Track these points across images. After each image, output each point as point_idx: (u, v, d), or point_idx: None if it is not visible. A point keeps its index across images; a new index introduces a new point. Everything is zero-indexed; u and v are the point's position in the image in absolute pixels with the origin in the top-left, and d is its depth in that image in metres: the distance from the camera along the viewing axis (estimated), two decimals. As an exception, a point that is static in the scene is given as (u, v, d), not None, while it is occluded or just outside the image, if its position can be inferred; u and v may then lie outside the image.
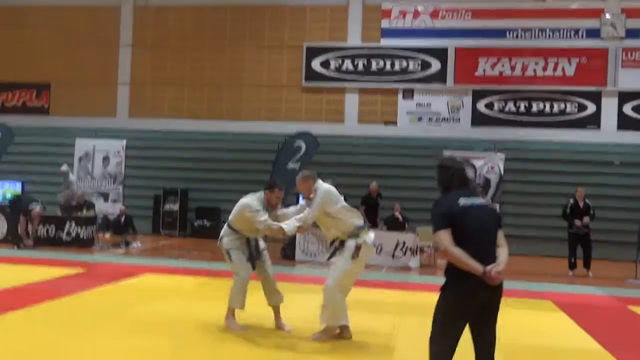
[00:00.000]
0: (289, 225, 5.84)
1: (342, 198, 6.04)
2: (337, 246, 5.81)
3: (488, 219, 3.85)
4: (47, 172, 17.34)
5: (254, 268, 6.26)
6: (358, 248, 5.66)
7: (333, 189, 5.92)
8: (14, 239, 12.88)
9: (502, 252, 3.80)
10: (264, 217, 5.92)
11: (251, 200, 6.05)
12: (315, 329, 6.39)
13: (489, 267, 3.62)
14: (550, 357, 5.99)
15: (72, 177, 15.05)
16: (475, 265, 3.62)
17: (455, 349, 3.75)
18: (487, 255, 3.69)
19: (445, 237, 3.71)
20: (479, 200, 3.90)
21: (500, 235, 3.87)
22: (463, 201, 3.81)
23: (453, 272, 3.74)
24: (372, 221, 13.65)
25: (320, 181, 5.99)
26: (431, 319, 7.72)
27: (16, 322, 6.37)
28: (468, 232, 3.71)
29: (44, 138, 18.34)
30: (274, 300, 6.37)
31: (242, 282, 6.13)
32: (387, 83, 17.39)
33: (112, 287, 8.63)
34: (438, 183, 4.06)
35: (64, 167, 15.15)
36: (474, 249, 3.66)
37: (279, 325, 6.38)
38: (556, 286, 10.56)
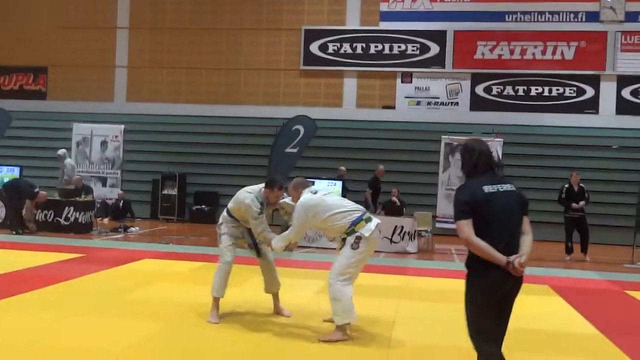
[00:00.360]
0: (277, 242, 5.75)
1: (331, 201, 5.68)
2: (339, 241, 5.70)
3: (513, 206, 3.67)
4: (45, 157, 17.32)
5: (259, 255, 6.28)
6: (358, 238, 5.52)
7: (313, 201, 5.59)
8: (13, 224, 12.86)
9: (526, 240, 3.65)
10: (262, 226, 5.91)
11: (252, 201, 5.92)
12: (314, 313, 6.42)
13: (512, 258, 3.50)
14: (547, 341, 6.02)
15: (69, 160, 14.95)
16: (498, 256, 3.51)
17: (497, 337, 3.66)
18: (511, 245, 3.57)
19: (466, 228, 3.56)
20: (505, 186, 3.69)
21: (526, 222, 3.72)
22: (488, 188, 3.63)
23: (476, 263, 3.61)
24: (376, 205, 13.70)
25: (305, 193, 5.70)
26: (430, 303, 7.76)
27: (15, 307, 6.39)
28: (492, 221, 3.57)
29: (42, 122, 18.28)
30: (273, 287, 6.39)
31: (225, 269, 6.11)
32: (386, 67, 17.32)
33: (110, 272, 8.65)
34: (461, 167, 3.85)
35: (61, 151, 15.09)
36: (498, 239, 3.54)
37: (277, 310, 6.40)
38: (553, 270, 10.60)
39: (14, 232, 12.63)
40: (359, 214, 5.62)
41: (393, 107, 17.32)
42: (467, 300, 3.70)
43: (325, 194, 5.86)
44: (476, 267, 3.62)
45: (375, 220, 5.72)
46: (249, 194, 6.01)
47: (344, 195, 14.10)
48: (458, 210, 3.62)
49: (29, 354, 4.85)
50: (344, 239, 5.60)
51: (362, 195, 13.50)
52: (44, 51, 18.73)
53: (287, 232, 5.76)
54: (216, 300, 6.12)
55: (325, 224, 5.63)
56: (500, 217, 3.59)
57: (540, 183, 15.65)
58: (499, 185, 3.67)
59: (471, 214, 3.57)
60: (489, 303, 3.60)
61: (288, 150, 14.10)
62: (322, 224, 5.66)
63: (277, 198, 6.00)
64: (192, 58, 18.15)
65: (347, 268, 5.53)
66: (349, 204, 5.77)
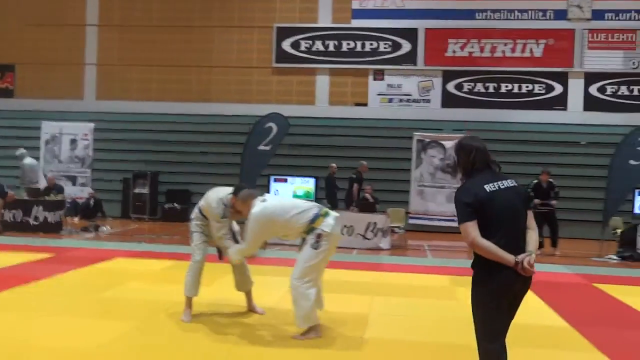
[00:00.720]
0: (233, 254, 5.70)
1: (286, 207, 5.50)
2: (300, 242, 5.58)
3: (516, 202, 3.56)
4: (12, 156, 16.96)
5: (220, 257, 6.22)
6: (318, 236, 5.36)
7: (268, 210, 5.43)
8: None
9: (532, 236, 3.56)
10: (222, 231, 5.88)
11: (217, 203, 5.87)
12: (288, 311, 6.42)
13: (520, 257, 3.41)
14: (517, 333, 6.09)
15: (27, 160, 14.58)
16: (506, 257, 3.40)
17: (504, 342, 3.55)
18: (517, 243, 3.48)
19: (471, 230, 3.43)
20: (505, 183, 3.59)
21: (530, 217, 3.63)
22: (489, 187, 3.52)
23: (484, 265, 3.48)
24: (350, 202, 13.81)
25: (256, 204, 5.49)
26: (404, 298, 7.81)
27: (-17, 308, 6.28)
28: (496, 220, 3.46)
29: (9, 121, 17.97)
30: (244, 286, 6.38)
31: (196, 268, 6.08)
32: (358, 64, 17.38)
33: (81, 271, 8.54)
34: (457, 166, 3.70)
35: (19, 151, 14.69)
36: (504, 238, 3.44)
37: (251, 308, 6.40)
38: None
39: (-18, 233, 12.40)
40: (316, 211, 5.48)
41: (365, 105, 17.39)
42: (474, 303, 3.58)
43: (276, 199, 5.81)
44: (484, 269, 3.50)
45: (334, 214, 5.55)
46: (217, 197, 5.94)
47: (333, 192, 14.23)
48: (461, 212, 3.50)
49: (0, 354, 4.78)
50: (303, 239, 5.45)
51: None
52: (12, 48, 18.39)
53: (241, 245, 5.70)
54: (189, 299, 6.09)
55: (285, 229, 5.49)
56: (504, 215, 3.48)
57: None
58: (499, 182, 3.58)
59: (475, 216, 3.46)
60: (499, 306, 3.50)
61: (261, 147, 14.01)
62: (281, 230, 5.53)
63: (243, 207, 5.78)
64: (162, 56, 17.98)
65: (309, 270, 5.39)
66: (303, 203, 5.64)
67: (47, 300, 6.73)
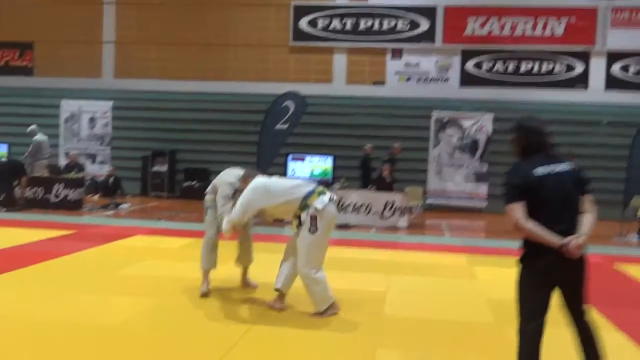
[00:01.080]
0: (224, 225, 5.64)
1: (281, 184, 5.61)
2: (296, 223, 5.53)
3: (569, 186, 3.52)
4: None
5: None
6: (313, 219, 5.35)
7: (262, 181, 5.55)
8: (7, 202, 12.79)
9: (586, 220, 3.51)
10: (225, 207, 5.88)
11: (228, 186, 5.98)
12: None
13: (567, 240, 3.38)
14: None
15: (38, 137, 14.65)
16: (551, 239, 3.39)
17: (544, 323, 3.57)
18: (567, 227, 3.44)
19: (516, 211, 3.45)
20: (560, 166, 3.55)
21: (586, 201, 3.57)
22: (541, 170, 3.50)
23: (531, 246, 3.51)
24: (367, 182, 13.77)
25: (256, 178, 5.64)
26: (421, 277, 7.84)
27: (9, 283, 6.40)
28: (546, 204, 3.45)
29: (29, 99, 18.10)
30: (245, 260, 6.50)
31: (208, 242, 6.24)
32: (376, 42, 17.24)
33: (102, 248, 8.66)
34: (514, 147, 3.70)
35: (30, 128, 14.74)
36: (554, 221, 3.43)
37: (245, 283, 6.53)
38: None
39: (4, 209, 12.59)
40: (310, 188, 5.52)
41: (383, 83, 17.29)
42: (518, 281, 3.61)
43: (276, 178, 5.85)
44: (530, 249, 3.52)
45: (329, 194, 5.55)
46: (228, 181, 6.04)
47: (368, 173, 14.14)
48: (508, 193, 3.51)
49: (25, 331, 4.87)
50: (299, 219, 5.44)
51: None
52: (30, 26, 18.47)
53: (232, 213, 5.63)
54: (205, 272, 6.24)
55: (279, 203, 5.47)
56: (555, 199, 3.46)
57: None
58: (553, 165, 3.54)
59: (522, 197, 3.46)
60: (540, 288, 3.51)
61: (278, 126, 14.03)
62: (275, 205, 5.48)
63: (244, 185, 5.78)
64: (180, 34, 17.97)
65: (313, 255, 5.43)
66: (300, 181, 5.75)
67: (69, 277, 6.84)
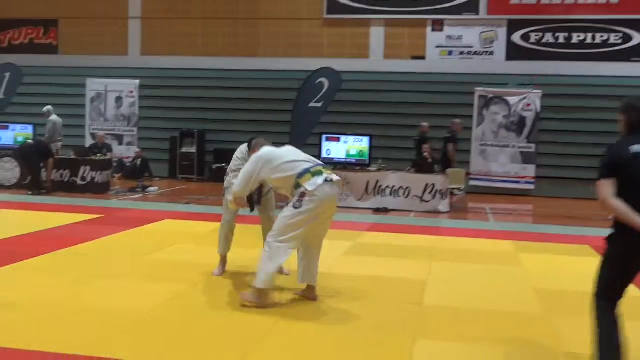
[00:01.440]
0: (229, 196, 5.80)
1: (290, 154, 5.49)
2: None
3: None
4: (58, 114, 17.48)
5: (252, 210, 6.32)
6: (302, 195, 5.20)
7: (266, 150, 5.51)
8: (34, 185, 13.12)
9: None
10: (234, 179, 5.88)
11: (237, 159, 6.21)
12: (338, 275, 6.51)
13: None
14: (585, 303, 6.05)
15: (53, 117, 14.89)
16: (635, 220, 3.49)
17: (615, 304, 3.77)
18: None
19: (604, 188, 3.58)
20: None
21: None
22: (637, 147, 3.59)
23: (618, 225, 3.64)
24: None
25: (263, 148, 5.63)
26: (463, 264, 7.82)
27: (38, 268, 6.59)
28: (635, 182, 3.55)
29: (54, 78, 18.44)
30: None
31: (224, 227, 6.44)
32: (415, 14, 17.07)
33: (130, 233, 8.84)
34: (620, 127, 3.81)
35: (46, 108, 14.98)
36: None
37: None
38: (595, 230, 10.55)
39: (30, 193, 12.91)
40: (307, 166, 5.32)
41: (423, 58, 17.13)
42: (602, 258, 3.81)
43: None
44: (617, 228, 3.66)
45: (327, 175, 5.30)
46: (239, 152, 6.27)
47: (421, 153, 14.01)
48: (600, 169, 3.64)
49: (56, 315, 5.02)
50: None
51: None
52: (54, 2, 18.77)
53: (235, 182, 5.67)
54: (221, 256, 6.51)
55: (276, 176, 5.37)
56: None
57: (582, 137, 15.48)
58: None
59: (612, 175, 3.58)
60: (621, 269, 3.69)
61: (312, 105, 14.10)
62: (272, 176, 5.39)
63: (252, 154, 5.83)
64: (207, 8, 18.06)
65: (287, 228, 5.25)
66: (303, 156, 5.53)
67: (99, 262, 7.02)
